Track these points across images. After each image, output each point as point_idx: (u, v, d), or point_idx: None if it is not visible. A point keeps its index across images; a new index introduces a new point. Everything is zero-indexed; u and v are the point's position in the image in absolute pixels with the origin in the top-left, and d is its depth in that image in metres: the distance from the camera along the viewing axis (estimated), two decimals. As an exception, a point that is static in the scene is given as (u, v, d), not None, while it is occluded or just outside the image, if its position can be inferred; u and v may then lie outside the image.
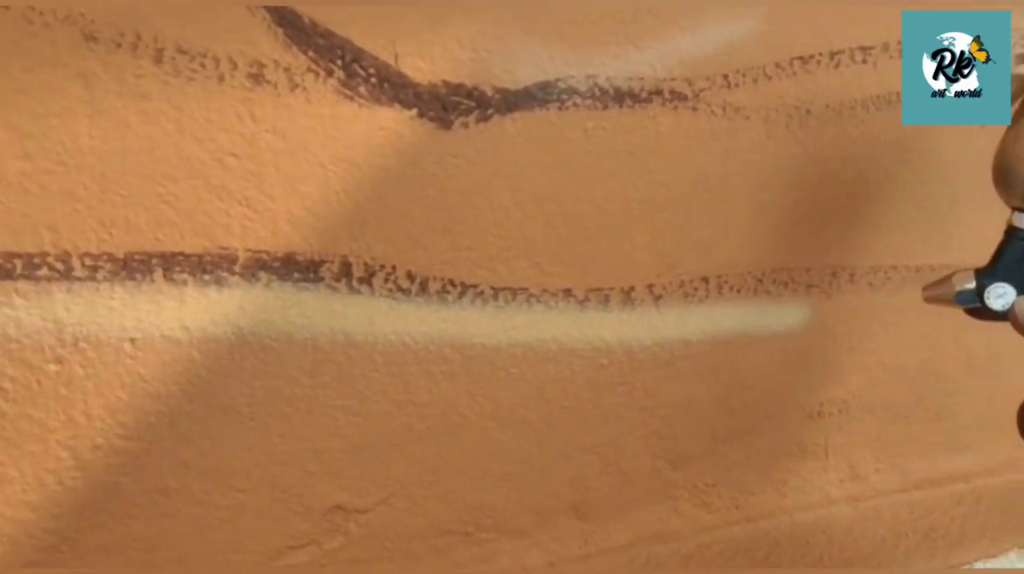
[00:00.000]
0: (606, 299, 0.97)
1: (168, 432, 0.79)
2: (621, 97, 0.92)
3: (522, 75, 0.87)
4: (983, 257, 1.18)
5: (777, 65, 0.99)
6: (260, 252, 0.79)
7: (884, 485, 1.19)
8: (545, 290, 0.94)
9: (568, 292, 0.95)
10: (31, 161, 0.71)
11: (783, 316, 1.08)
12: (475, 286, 0.90)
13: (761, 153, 1.01)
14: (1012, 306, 0.74)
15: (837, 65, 1.03)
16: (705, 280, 1.02)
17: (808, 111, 1.02)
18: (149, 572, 0.80)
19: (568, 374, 0.97)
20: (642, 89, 0.93)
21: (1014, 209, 0.75)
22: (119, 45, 0.72)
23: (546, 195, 0.92)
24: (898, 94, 1.07)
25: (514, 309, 0.92)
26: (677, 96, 0.95)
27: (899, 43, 1.06)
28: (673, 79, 0.94)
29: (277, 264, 0.80)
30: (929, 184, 1.12)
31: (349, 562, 0.89)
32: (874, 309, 1.13)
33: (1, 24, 0.68)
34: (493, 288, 0.91)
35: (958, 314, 1.18)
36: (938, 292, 0.79)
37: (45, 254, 0.72)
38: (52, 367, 0.74)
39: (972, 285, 0.76)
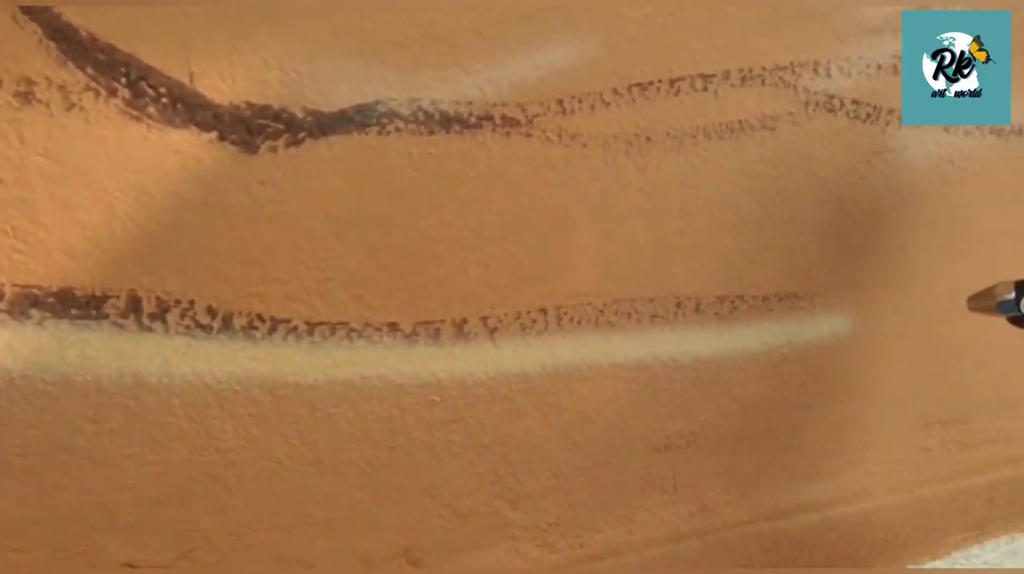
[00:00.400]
0: (436, 333, 0.91)
1: (-80, 490, 0.70)
2: (448, 122, 0.87)
3: (337, 97, 0.81)
4: (837, 286, 1.17)
5: (615, 91, 0.96)
6: (31, 287, 0.71)
7: (734, 517, 1.16)
8: (368, 324, 0.88)
9: (394, 326, 0.89)
10: None
11: (627, 347, 1.03)
12: (288, 321, 0.83)
13: (600, 181, 0.97)
14: None
15: (677, 92, 1.00)
16: (543, 311, 0.97)
17: (648, 138, 0.99)
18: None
19: (396, 413, 0.91)
20: (471, 114, 0.88)
21: None
22: None
23: (368, 224, 0.85)
24: (740, 122, 1.05)
25: (333, 345, 0.86)
26: (509, 122, 0.90)
27: (740, 71, 1.03)
28: (504, 104, 0.90)
29: (52, 300, 0.72)
30: (774, 213, 1.10)
31: (145, 624, 0.81)
32: (721, 340, 1.10)
33: None
34: (308, 323, 0.84)
35: (805, 342, 1.17)
36: (982, 303, 0.85)
37: None
38: None
39: (1012, 295, 0.81)
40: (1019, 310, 0.82)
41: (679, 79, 1.00)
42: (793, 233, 1.12)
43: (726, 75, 1.02)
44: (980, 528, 1.29)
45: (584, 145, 0.95)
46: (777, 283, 1.12)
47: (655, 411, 1.08)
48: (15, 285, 0.70)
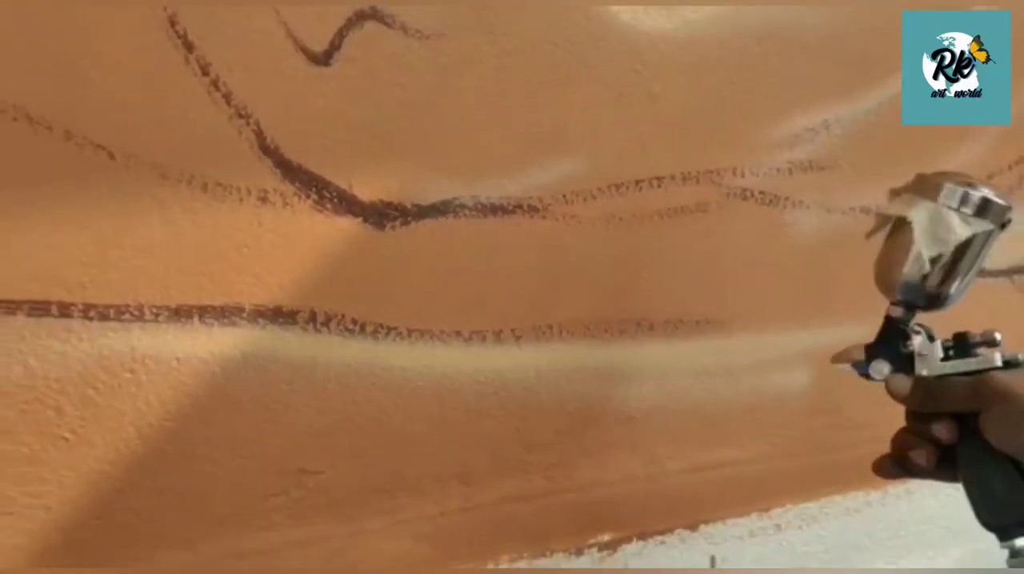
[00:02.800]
0: (483, 337, 1.33)
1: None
2: (496, 210, 1.29)
3: (430, 195, 1.23)
4: (756, 313, 1.57)
5: (599, 189, 1.37)
6: (259, 305, 1.13)
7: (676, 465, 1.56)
8: (443, 331, 1.29)
9: (458, 333, 1.30)
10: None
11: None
12: (395, 328, 1.25)
13: (589, 247, 1.39)
14: (885, 380, 0.85)
15: (640, 189, 1.41)
16: (549, 327, 1.38)
17: (620, 219, 1.40)
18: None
19: (457, 387, 1.32)
20: (509, 204, 1.30)
21: (892, 303, 0.87)
22: (179, 181, 1.06)
23: (452, 274, 1.27)
24: (682, 207, 1.46)
25: (424, 343, 1.27)
26: (532, 209, 1.32)
27: (682, 174, 1.44)
28: (530, 197, 1.31)
29: (270, 313, 1.14)
30: (709, 271, 1.50)
31: (312, 508, 1.21)
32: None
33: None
34: (408, 330, 1.26)
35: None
36: (842, 361, 0.88)
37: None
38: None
39: (862, 357, 0.86)
40: (867, 372, 0.86)
41: (641, 180, 1.41)
42: (721, 281, 1.53)
43: (672, 177, 1.44)
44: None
45: (580, 223, 1.37)
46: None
47: (614, 387, 1.49)
48: (252, 304, 1.12)
